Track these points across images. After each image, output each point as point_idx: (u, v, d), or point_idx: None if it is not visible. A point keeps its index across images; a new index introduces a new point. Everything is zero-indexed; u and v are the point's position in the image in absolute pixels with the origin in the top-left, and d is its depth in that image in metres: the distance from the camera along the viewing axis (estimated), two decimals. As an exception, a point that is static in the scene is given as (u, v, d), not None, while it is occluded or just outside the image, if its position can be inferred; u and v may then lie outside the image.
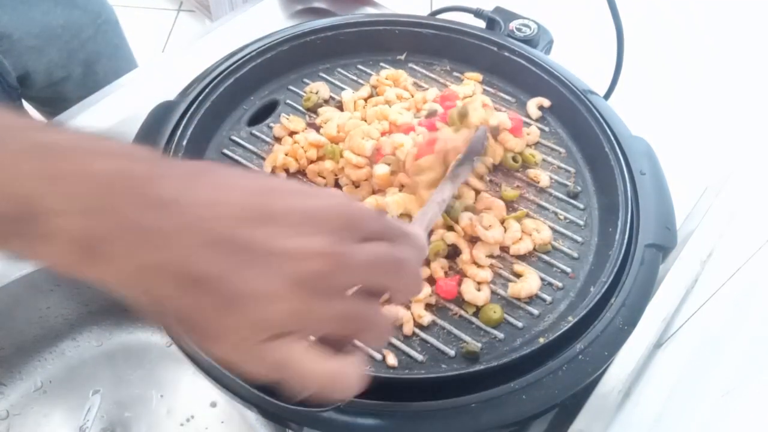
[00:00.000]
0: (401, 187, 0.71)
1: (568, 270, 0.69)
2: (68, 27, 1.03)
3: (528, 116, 0.83)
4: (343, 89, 0.85)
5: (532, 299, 0.67)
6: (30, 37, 0.98)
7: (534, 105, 0.84)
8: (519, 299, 0.66)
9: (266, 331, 0.34)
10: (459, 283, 0.66)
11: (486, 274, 0.67)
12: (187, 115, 0.73)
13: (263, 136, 0.79)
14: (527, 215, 0.73)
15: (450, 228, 0.69)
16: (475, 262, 0.68)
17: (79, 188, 0.32)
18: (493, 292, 0.67)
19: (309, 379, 0.35)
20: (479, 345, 0.63)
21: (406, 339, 0.63)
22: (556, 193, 0.76)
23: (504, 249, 0.70)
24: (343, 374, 0.37)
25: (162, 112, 0.75)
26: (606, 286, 0.63)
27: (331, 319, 0.36)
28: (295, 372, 0.35)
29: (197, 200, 0.34)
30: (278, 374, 0.35)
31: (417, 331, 0.64)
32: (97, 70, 1.11)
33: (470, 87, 0.84)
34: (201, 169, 0.36)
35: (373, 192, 0.72)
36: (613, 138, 0.74)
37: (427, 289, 0.65)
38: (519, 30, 0.89)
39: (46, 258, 0.33)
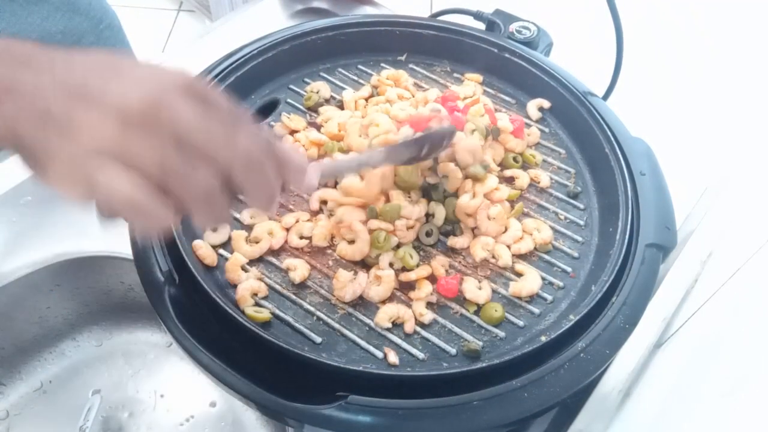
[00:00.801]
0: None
1: (569, 269, 0.69)
2: (68, 33, 1.02)
3: (528, 117, 0.84)
4: (343, 89, 0.85)
5: (533, 298, 0.67)
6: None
7: (534, 106, 0.84)
8: (520, 298, 0.66)
9: (90, 157, 0.39)
10: (460, 282, 0.66)
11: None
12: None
13: (264, 136, 0.79)
14: (528, 215, 0.73)
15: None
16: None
17: None
18: (494, 291, 0.67)
19: (115, 198, 0.39)
20: (480, 343, 0.63)
21: (408, 337, 0.63)
22: (557, 194, 0.76)
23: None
24: (148, 207, 0.40)
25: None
26: (607, 285, 0.63)
27: (148, 156, 0.39)
28: (104, 189, 0.39)
29: (66, 61, 0.42)
30: (90, 191, 0.40)
31: (418, 329, 0.64)
32: None
33: (470, 88, 0.85)
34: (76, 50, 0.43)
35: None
36: (612, 139, 0.75)
37: (428, 288, 0.65)
38: (519, 32, 0.89)
39: None
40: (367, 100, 0.83)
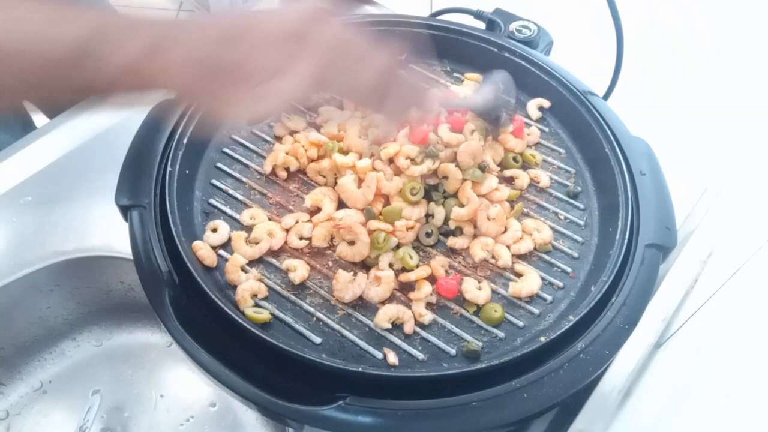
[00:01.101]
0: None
1: (569, 270, 0.69)
2: None
3: (528, 117, 0.84)
4: (343, 89, 0.85)
5: (532, 298, 0.67)
6: None
7: (534, 106, 0.84)
8: (520, 298, 0.66)
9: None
10: (460, 282, 0.66)
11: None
12: (188, 114, 0.73)
13: (264, 135, 0.79)
14: (527, 215, 0.73)
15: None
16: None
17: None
18: (493, 291, 0.67)
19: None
20: (480, 344, 0.63)
21: (407, 338, 0.63)
22: (557, 194, 0.76)
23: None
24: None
25: (163, 111, 0.75)
26: (606, 286, 0.63)
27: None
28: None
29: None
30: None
31: (418, 329, 0.64)
32: None
33: (470, 87, 0.84)
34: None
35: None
36: (613, 138, 0.75)
37: (428, 288, 0.65)
38: (519, 31, 0.89)
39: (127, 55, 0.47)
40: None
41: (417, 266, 0.67)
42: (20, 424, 0.81)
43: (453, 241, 0.70)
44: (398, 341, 0.63)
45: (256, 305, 0.64)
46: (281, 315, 0.63)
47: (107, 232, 0.81)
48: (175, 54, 0.48)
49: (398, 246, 0.68)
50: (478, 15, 0.93)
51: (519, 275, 0.68)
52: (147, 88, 0.51)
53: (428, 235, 0.70)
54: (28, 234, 0.81)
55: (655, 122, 0.87)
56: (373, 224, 0.67)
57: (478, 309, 0.65)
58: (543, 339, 0.59)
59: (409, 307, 0.64)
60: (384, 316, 0.63)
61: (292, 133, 0.79)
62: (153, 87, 0.51)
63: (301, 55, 0.50)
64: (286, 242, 0.68)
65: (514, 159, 0.77)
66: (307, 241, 0.69)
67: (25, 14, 0.46)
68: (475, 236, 0.70)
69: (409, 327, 0.63)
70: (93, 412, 0.80)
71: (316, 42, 0.50)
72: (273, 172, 0.75)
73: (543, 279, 0.68)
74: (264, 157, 0.76)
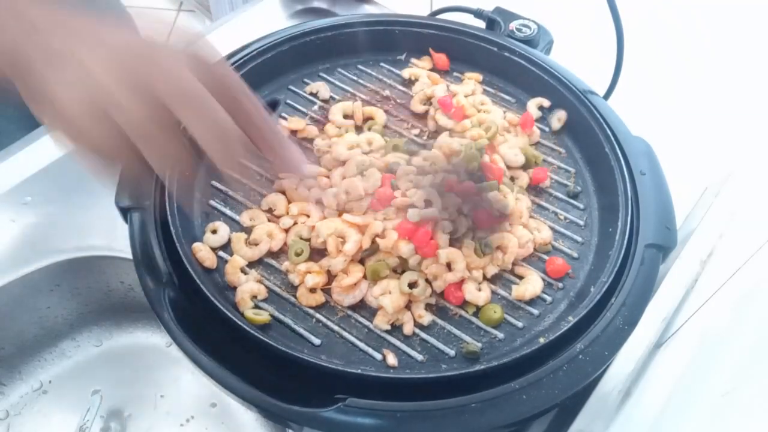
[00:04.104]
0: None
1: (569, 270, 0.69)
2: None
3: (549, 127, 0.83)
4: (343, 89, 0.85)
5: (532, 299, 0.66)
6: None
7: (534, 105, 0.84)
8: (522, 300, 0.66)
9: (98, 105, 0.44)
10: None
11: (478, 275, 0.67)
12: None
13: (263, 136, 0.79)
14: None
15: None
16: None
17: None
18: (493, 293, 0.67)
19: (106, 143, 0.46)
20: (479, 345, 0.63)
21: (406, 339, 0.63)
22: (556, 193, 0.76)
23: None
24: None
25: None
26: (606, 286, 0.63)
27: (114, 88, 0.44)
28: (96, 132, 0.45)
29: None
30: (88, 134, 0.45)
31: (417, 331, 0.64)
32: None
33: (470, 86, 0.84)
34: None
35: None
36: (613, 138, 0.74)
37: (427, 290, 0.65)
38: (519, 30, 0.89)
39: None
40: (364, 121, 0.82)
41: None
42: (20, 424, 0.81)
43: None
44: (397, 342, 0.63)
45: (256, 306, 0.64)
46: (281, 316, 0.63)
47: (107, 232, 0.80)
48: None
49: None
50: (478, 14, 0.93)
51: (519, 276, 0.68)
52: None
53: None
54: (28, 234, 0.81)
55: (655, 122, 0.86)
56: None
57: (478, 310, 0.65)
58: (542, 340, 0.59)
59: (409, 308, 0.64)
60: (383, 318, 0.63)
61: (293, 132, 0.79)
62: None
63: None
64: (285, 243, 0.68)
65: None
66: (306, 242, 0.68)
67: None
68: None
69: (408, 328, 0.63)
70: (93, 412, 0.80)
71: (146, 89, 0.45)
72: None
73: (543, 279, 0.68)
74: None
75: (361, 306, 0.65)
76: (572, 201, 0.75)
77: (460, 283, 0.66)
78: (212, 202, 0.72)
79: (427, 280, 0.65)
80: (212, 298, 0.58)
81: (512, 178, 0.76)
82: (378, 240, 0.65)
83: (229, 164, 0.48)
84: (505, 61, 0.85)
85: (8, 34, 0.47)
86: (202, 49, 0.49)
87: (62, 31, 0.47)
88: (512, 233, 0.69)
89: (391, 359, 0.61)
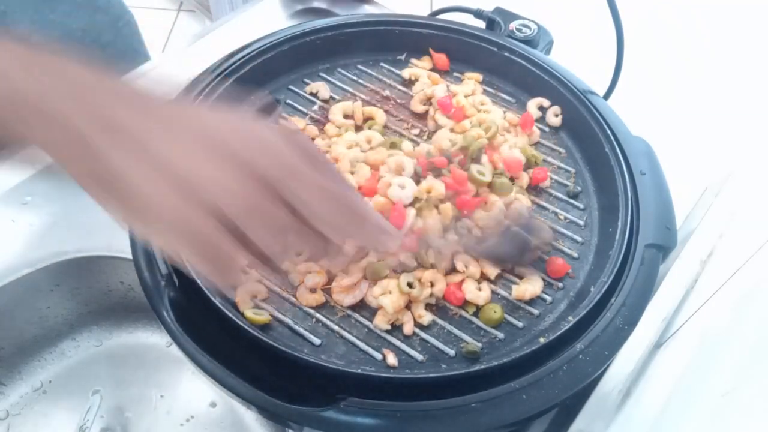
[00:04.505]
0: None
1: (569, 270, 0.69)
2: (89, 30, 1.02)
3: (547, 124, 0.83)
4: (343, 89, 0.85)
5: (532, 299, 0.66)
6: (50, 40, 0.97)
7: (534, 105, 0.84)
8: (522, 300, 0.66)
9: (191, 193, 0.38)
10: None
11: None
12: (188, 115, 0.73)
13: (263, 136, 0.79)
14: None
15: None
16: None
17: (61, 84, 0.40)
18: (493, 292, 0.67)
19: (225, 259, 0.40)
20: (479, 345, 0.63)
21: (406, 339, 0.63)
22: (556, 193, 0.76)
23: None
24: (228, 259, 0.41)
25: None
26: (606, 286, 0.63)
27: (242, 197, 0.40)
28: (213, 248, 0.39)
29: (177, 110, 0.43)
30: (200, 249, 0.39)
31: (417, 330, 0.64)
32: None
33: (470, 86, 0.84)
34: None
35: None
36: (613, 138, 0.74)
37: (426, 290, 0.65)
38: (519, 30, 0.89)
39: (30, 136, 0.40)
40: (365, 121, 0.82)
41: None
42: (20, 424, 0.81)
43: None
44: (397, 342, 0.63)
45: (256, 306, 0.64)
46: (281, 316, 0.63)
47: (107, 232, 0.80)
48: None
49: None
50: (478, 14, 0.93)
51: (519, 276, 0.68)
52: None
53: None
54: (28, 234, 0.81)
55: (655, 122, 0.86)
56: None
57: (478, 310, 0.65)
58: (542, 340, 0.59)
59: (409, 308, 0.64)
60: (383, 317, 0.63)
61: (292, 133, 0.79)
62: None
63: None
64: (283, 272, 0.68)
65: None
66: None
67: None
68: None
69: (408, 328, 0.63)
70: (93, 412, 0.80)
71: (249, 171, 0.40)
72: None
73: (543, 279, 0.68)
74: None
75: (361, 306, 0.65)
76: (572, 201, 0.75)
77: (460, 283, 0.66)
78: (212, 202, 0.72)
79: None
80: (212, 298, 0.58)
81: (512, 178, 0.75)
82: None
83: (344, 235, 0.45)
84: (505, 61, 0.85)
85: (73, 121, 0.40)
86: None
87: (141, 117, 0.41)
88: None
89: (391, 359, 0.61)
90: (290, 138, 0.43)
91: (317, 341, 0.62)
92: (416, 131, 0.81)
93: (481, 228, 0.69)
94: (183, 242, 0.40)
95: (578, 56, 0.92)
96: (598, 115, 0.77)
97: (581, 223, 0.73)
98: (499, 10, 0.92)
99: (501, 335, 0.64)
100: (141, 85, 0.43)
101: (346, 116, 0.81)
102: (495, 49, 0.86)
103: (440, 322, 0.64)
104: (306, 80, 0.86)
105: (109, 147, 0.39)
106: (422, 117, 0.83)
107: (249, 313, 0.62)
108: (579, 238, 0.72)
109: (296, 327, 0.63)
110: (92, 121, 0.39)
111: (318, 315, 0.64)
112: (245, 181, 0.40)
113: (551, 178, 0.77)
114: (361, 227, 0.46)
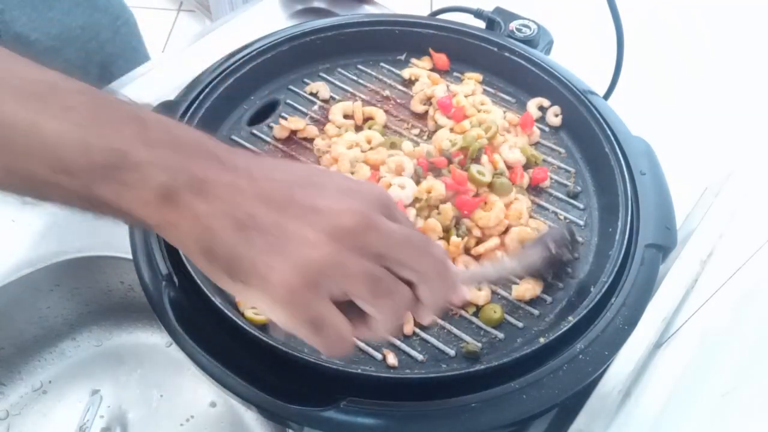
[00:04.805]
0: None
1: (569, 270, 0.69)
2: (87, 28, 1.02)
3: (547, 124, 0.83)
4: (343, 89, 0.85)
5: (532, 299, 0.66)
6: (48, 38, 0.97)
7: (534, 105, 0.84)
8: (522, 300, 0.66)
9: (305, 273, 0.38)
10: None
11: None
12: (188, 115, 0.73)
13: (263, 136, 0.79)
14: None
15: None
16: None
17: (164, 148, 0.39)
18: (493, 292, 0.67)
19: (339, 340, 0.41)
20: (479, 345, 0.63)
21: (406, 339, 0.63)
22: (556, 193, 0.76)
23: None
24: (350, 335, 0.42)
25: (162, 112, 0.75)
26: (606, 286, 0.63)
27: (361, 275, 0.40)
28: (328, 329, 0.40)
29: (262, 169, 0.41)
30: (313, 328, 0.40)
31: (417, 330, 0.64)
32: (114, 72, 1.10)
33: (470, 86, 0.84)
34: (262, 155, 0.46)
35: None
36: (613, 138, 0.74)
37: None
38: (519, 30, 0.89)
39: (127, 202, 0.39)
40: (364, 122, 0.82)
41: None
42: (20, 424, 0.81)
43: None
44: (397, 342, 0.63)
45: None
46: (281, 316, 0.63)
47: (107, 232, 0.80)
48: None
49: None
50: (478, 14, 0.93)
51: (519, 276, 0.68)
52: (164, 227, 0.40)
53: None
54: (28, 234, 0.81)
55: (655, 122, 0.86)
56: None
57: (478, 310, 0.65)
58: (542, 340, 0.59)
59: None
60: (383, 317, 0.63)
61: (293, 133, 0.79)
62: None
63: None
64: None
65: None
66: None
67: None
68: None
69: (408, 328, 0.63)
70: (93, 412, 0.80)
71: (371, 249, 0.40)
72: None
73: (543, 279, 0.68)
74: (263, 158, 0.76)
75: (361, 306, 0.65)
76: (572, 201, 0.75)
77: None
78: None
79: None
80: (212, 298, 0.58)
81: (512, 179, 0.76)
82: None
83: (441, 305, 0.46)
84: (505, 61, 0.85)
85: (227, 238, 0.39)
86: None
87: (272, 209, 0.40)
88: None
89: (391, 359, 0.61)
90: (370, 193, 0.43)
91: (317, 341, 0.62)
92: (416, 131, 0.81)
93: (481, 228, 0.69)
94: (300, 320, 0.40)
95: (578, 56, 0.92)
96: (598, 115, 0.77)
97: (581, 223, 0.73)
98: (499, 10, 0.92)
99: (501, 335, 0.64)
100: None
101: (346, 116, 0.81)
102: (495, 49, 0.86)
103: (440, 322, 0.64)
104: (306, 80, 0.86)
105: (210, 210, 0.39)
106: (422, 117, 0.83)
107: (249, 313, 0.62)
108: (579, 239, 0.72)
109: (296, 327, 0.63)
110: (192, 182, 0.39)
111: (318, 315, 0.64)
112: (361, 259, 0.40)
113: (551, 178, 0.77)
114: (450, 282, 0.46)
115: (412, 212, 0.67)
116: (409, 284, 0.42)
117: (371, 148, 0.76)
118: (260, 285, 0.39)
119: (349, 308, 0.41)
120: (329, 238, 0.39)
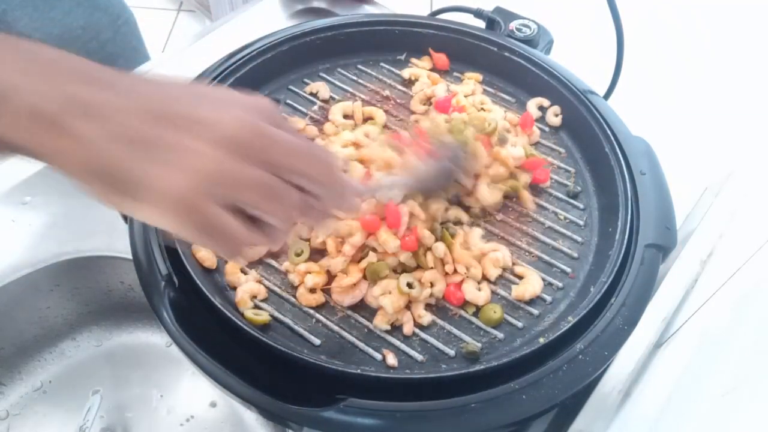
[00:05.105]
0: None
1: (568, 270, 0.69)
2: (88, 28, 1.02)
3: (546, 124, 0.83)
4: (343, 89, 0.85)
5: (532, 299, 0.66)
6: (50, 38, 0.97)
7: (534, 105, 0.84)
8: (522, 300, 0.66)
9: (193, 182, 0.39)
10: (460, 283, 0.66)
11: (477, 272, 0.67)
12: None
13: (263, 136, 0.79)
14: (527, 215, 0.73)
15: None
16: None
17: (40, 74, 0.39)
18: (493, 293, 0.67)
19: (233, 242, 0.42)
20: (479, 345, 0.63)
21: (406, 339, 0.63)
22: (556, 193, 0.76)
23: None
24: (248, 238, 0.42)
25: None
26: (606, 286, 0.63)
27: (253, 182, 0.41)
28: (222, 233, 0.41)
29: (142, 85, 0.41)
30: (207, 235, 0.41)
31: (417, 331, 0.64)
32: None
33: (470, 86, 0.84)
34: (143, 75, 0.44)
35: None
36: (613, 138, 0.74)
37: (426, 290, 0.65)
38: (519, 30, 0.89)
39: (3, 128, 0.39)
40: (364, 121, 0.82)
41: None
42: (20, 424, 0.81)
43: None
44: (397, 342, 0.63)
45: (256, 307, 0.64)
46: (280, 316, 0.63)
47: (107, 233, 0.80)
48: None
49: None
50: (478, 14, 0.93)
51: (519, 276, 0.68)
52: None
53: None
54: (28, 234, 0.81)
55: (655, 122, 0.86)
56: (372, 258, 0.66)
57: (478, 310, 0.65)
58: (542, 340, 0.59)
59: (409, 308, 0.64)
60: (383, 318, 0.63)
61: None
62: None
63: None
64: (285, 243, 0.68)
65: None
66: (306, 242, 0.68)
67: None
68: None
69: (408, 328, 0.63)
70: (93, 412, 0.80)
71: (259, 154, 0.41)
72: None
73: (543, 279, 0.68)
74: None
75: (361, 306, 0.65)
76: (572, 201, 0.75)
77: (460, 283, 0.66)
78: (212, 202, 0.72)
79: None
80: (212, 299, 0.58)
81: (513, 177, 0.75)
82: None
83: (343, 207, 0.48)
84: (505, 61, 0.85)
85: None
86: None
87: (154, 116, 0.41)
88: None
89: (391, 359, 0.61)
90: (254, 103, 0.44)
91: (317, 341, 0.62)
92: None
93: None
94: (192, 227, 0.40)
95: (578, 56, 0.92)
96: (598, 115, 0.77)
97: (581, 223, 0.73)
98: (499, 10, 0.92)
99: (501, 335, 0.64)
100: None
101: (345, 116, 0.81)
102: (495, 49, 0.86)
103: (440, 322, 0.64)
104: (306, 80, 0.86)
105: (93, 130, 0.39)
106: (422, 117, 0.83)
107: (249, 314, 0.62)
108: (579, 238, 0.72)
109: (296, 327, 0.63)
110: (69, 104, 0.39)
111: (318, 315, 0.64)
112: (249, 166, 0.41)
113: (551, 178, 0.77)
114: (340, 187, 0.47)
115: (406, 210, 0.67)
116: (301, 190, 0.44)
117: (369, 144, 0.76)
118: (150, 197, 0.39)
119: (246, 220, 0.43)
120: (216, 147, 0.39)
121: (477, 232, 0.70)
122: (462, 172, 0.69)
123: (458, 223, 0.71)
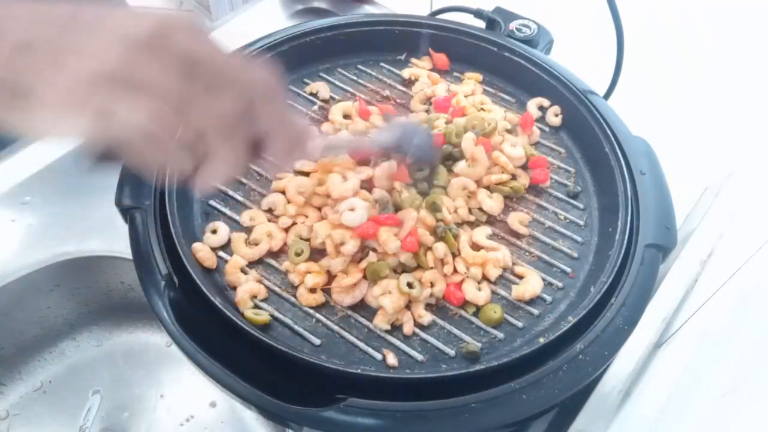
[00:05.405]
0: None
1: (569, 270, 0.69)
2: None
3: (546, 124, 0.83)
4: (343, 89, 0.85)
5: (532, 299, 0.66)
6: None
7: (534, 105, 0.84)
8: (522, 300, 0.66)
9: (91, 82, 0.36)
10: (460, 283, 0.66)
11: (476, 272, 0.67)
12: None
13: (263, 136, 0.79)
14: (527, 215, 0.73)
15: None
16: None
17: None
18: (493, 293, 0.67)
19: (129, 125, 0.37)
20: (479, 345, 0.63)
21: (406, 339, 0.63)
22: (556, 193, 0.76)
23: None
24: (161, 137, 0.38)
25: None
26: (606, 286, 0.63)
27: (155, 78, 0.38)
28: (118, 116, 0.37)
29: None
30: (100, 119, 0.37)
31: (417, 330, 0.64)
32: None
33: (470, 86, 0.84)
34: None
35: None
36: (613, 138, 0.75)
37: (426, 290, 0.65)
38: (519, 30, 0.89)
39: None
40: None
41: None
42: (20, 424, 0.81)
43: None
44: (397, 342, 0.63)
45: (256, 306, 0.64)
46: (281, 316, 0.63)
47: (107, 232, 0.80)
48: None
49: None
50: (478, 14, 0.93)
51: (519, 276, 0.68)
52: None
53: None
54: (28, 234, 0.81)
55: (655, 122, 0.86)
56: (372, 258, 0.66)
57: (478, 310, 0.65)
58: (542, 340, 0.59)
59: (409, 308, 0.64)
60: (383, 318, 0.63)
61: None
62: None
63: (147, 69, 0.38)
64: (285, 243, 0.68)
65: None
66: (306, 242, 0.68)
67: None
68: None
69: (408, 328, 0.63)
70: (93, 412, 0.80)
71: (170, 56, 0.38)
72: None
73: (543, 279, 0.68)
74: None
75: (361, 306, 0.65)
76: (572, 201, 0.75)
77: (460, 283, 0.66)
78: (212, 202, 0.72)
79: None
80: (212, 298, 0.58)
81: (514, 177, 0.75)
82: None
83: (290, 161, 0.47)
84: (505, 61, 0.85)
85: None
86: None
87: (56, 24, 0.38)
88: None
89: (391, 359, 0.61)
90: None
91: (317, 341, 0.62)
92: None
93: None
94: (91, 123, 0.38)
95: (578, 56, 0.92)
96: (598, 115, 0.77)
97: (581, 223, 0.73)
98: (499, 10, 0.92)
99: (501, 335, 0.64)
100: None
101: (345, 116, 0.81)
102: (495, 49, 0.86)
103: (440, 322, 0.64)
104: (306, 80, 0.86)
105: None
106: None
107: (249, 314, 0.62)
108: (579, 238, 0.72)
109: (296, 327, 0.63)
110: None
111: (318, 315, 0.64)
112: (157, 64, 0.38)
113: (551, 178, 0.77)
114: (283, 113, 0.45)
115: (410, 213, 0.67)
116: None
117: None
118: (43, 106, 0.37)
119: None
120: (121, 45, 0.37)
121: (484, 231, 0.70)
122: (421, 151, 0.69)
123: (461, 224, 0.71)
